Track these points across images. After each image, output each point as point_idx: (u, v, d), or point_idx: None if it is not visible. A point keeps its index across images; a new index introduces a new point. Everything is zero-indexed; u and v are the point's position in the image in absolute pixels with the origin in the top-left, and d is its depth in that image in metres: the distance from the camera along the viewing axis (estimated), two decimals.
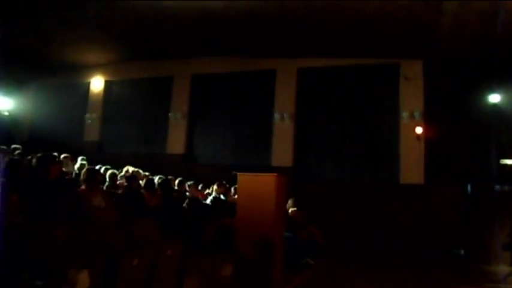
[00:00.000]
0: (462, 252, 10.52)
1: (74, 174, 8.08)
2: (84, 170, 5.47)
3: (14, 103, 15.08)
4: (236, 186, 7.43)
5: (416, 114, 12.04)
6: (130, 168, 9.75)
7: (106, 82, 16.48)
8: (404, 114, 12.20)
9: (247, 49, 13.30)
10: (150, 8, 10.86)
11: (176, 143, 14.80)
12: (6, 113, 14.42)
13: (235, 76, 14.37)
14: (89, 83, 16.69)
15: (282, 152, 13.31)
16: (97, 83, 16.58)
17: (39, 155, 4.57)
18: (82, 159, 9.54)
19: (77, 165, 8.92)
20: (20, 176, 4.39)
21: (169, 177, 8.63)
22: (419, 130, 11.86)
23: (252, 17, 10.84)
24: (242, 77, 14.32)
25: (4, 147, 4.00)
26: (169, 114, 15.01)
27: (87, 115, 16.37)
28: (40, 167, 4.44)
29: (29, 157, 7.00)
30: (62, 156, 8.80)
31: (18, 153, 7.54)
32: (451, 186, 11.21)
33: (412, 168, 11.85)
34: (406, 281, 7.67)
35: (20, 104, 15.95)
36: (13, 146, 8.43)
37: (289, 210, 9.69)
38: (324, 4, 9.78)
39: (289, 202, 10.15)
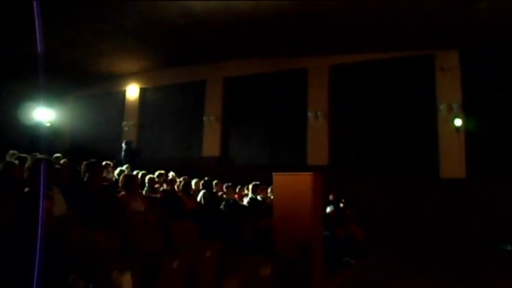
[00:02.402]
0: (510, 247, 10.09)
1: (113, 180, 8.30)
2: (122, 176, 5.60)
3: (55, 114, 15.65)
4: (272, 186, 7.42)
5: (455, 106, 11.67)
6: (171, 173, 9.94)
7: (141, 89, 16.88)
8: (442, 107, 11.86)
9: (278, 49, 13.30)
10: (181, 15, 11.03)
11: (211, 145, 14.96)
12: (48, 124, 14.98)
13: (267, 77, 14.40)
14: (124, 91, 17.16)
15: (317, 150, 13.22)
16: (132, 91, 17.01)
17: (85, 162, 4.69)
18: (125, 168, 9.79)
19: (116, 172, 9.15)
20: (65, 184, 4.53)
21: (206, 178, 8.70)
22: (458, 122, 11.50)
23: (281, 17, 10.81)
24: (274, 77, 14.33)
25: (46, 156, 4.13)
26: (204, 118, 15.19)
27: (124, 122, 16.83)
28: (86, 174, 4.56)
29: (74, 165, 7.25)
30: (104, 163, 9.08)
31: (63, 162, 7.79)
32: (496, 180, 10.77)
33: (452, 162, 11.50)
34: (456, 280, 7.39)
35: (60, 114, 16.55)
36: (55, 155, 8.74)
37: (327, 210, 9.61)
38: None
39: (330, 197, 10.17)
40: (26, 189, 3.01)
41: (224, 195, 8.64)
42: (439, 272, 7.96)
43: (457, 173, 11.36)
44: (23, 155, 6.29)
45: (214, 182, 9.26)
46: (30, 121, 13.87)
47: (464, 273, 7.76)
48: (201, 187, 8.05)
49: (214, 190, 8.73)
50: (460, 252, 9.90)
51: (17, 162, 5.44)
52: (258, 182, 9.21)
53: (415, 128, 12.33)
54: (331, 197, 10.56)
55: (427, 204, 11.14)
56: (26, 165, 3.75)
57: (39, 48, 2.12)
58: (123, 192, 5.28)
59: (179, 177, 9.49)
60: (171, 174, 9.78)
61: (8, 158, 6.13)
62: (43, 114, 14.04)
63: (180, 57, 14.77)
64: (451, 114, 11.77)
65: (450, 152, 11.66)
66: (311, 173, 6.03)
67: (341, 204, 10.51)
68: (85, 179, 4.59)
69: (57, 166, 5.25)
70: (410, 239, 10.77)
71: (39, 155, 3.58)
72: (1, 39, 12.46)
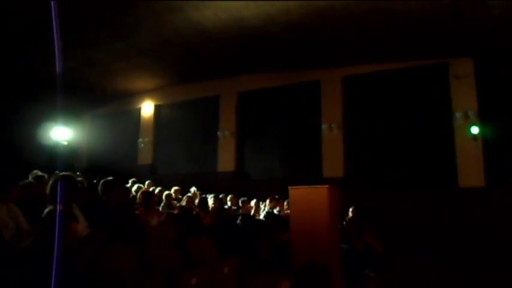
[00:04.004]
0: None
1: (131, 196, 8.37)
2: (140, 193, 5.65)
3: (72, 133, 15.91)
4: (288, 200, 7.39)
5: (471, 113, 11.53)
6: (193, 189, 10.03)
7: (156, 106, 17.08)
8: (458, 115, 11.72)
9: (290, 62, 13.36)
10: (193, 33, 11.19)
11: (226, 160, 15.01)
12: (66, 143, 15.23)
13: (280, 90, 14.44)
14: (139, 109, 17.37)
15: (333, 162, 13.15)
16: (147, 108, 17.22)
17: (102, 181, 4.74)
18: (147, 184, 9.89)
19: (134, 188, 9.24)
20: (84, 202, 4.58)
21: (220, 195, 8.74)
22: (475, 130, 11.34)
23: (293, 30, 10.88)
24: (287, 91, 14.37)
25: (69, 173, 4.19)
26: (218, 133, 15.27)
27: (140, 139, 17.01)
28: (104, 192, 4.61)
29: (93, 182, 7.34)
30: (130, 181, 9.23)
31: (81, 181, 7.88)
32: None
33: (471, 171, 11.31)
34: None
35: (77, 133, 16.81)
36: (73, 173, 8.84)
37: (344, 222, 9.51)
38: (366, 9, 9.65)
39: (350, 210, 10.05)
40: (48, 208, 3.05)
41: (240, 210, 8.64)
42: (460, 283, 7.80)
43: (475, 181, 11.17)
44: (40, 174, 6.39)
45: (229, 196, 9.29)
46: (48, 140, 14.13)
47: (486, 284, 7.59)
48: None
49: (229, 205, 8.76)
50: (481, 262, 9.68)
51: (33, 181, 5.52)
52: (276, 196, 9.19)
53: (431, 137, 12.19)
54: (351, 211, 10.37)
55: (446, 214, 10.93)
56: (49, 183, 3.82)
57: (57, 69, 2.17)
58: (140, 209, 5.32)
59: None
60: (192, 190, 9.85)
61: (30, 177, 6.24)
62: (61, 134, 14.30)
63: (194, 74, 14.94)
64: (467, 122, 11.62)
65: (468, 160, 11.48)
66: (327, 185, 6.00)
67: (350, 214, 10.27)
68: (103, 197, 4.64)
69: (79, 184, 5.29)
70: (430, 250, 10.57)
71: (60, 173, 3.63)
72: (20, 61, 12.79)
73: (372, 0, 9.23)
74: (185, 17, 10.46)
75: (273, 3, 9.70)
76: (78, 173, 9.04)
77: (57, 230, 2.07)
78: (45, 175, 6.14)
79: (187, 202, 7.72)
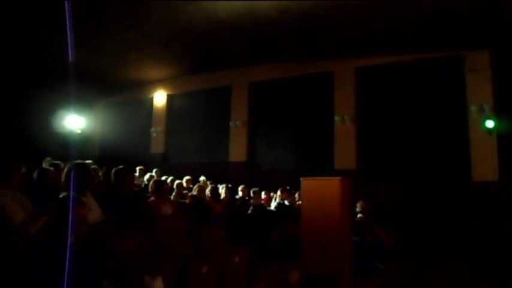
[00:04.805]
0: None
1: (143, 185, 8.45)
2: (152, 182, 5.69)
3: (85, 121, 16.05)
4: (300, 191, 7.40)
5: (486, 107, 11.35)
6: (202, 178, 10.08)
7: (168, 96, 17.13)
8: (473, 108, 11.55)
9: (304, 53, 13.27)
10: (207, 22, 11.15)
11: (238, 151, 15.02)
12: (79, 131, 15.37)
13: (293, 81, 14.37)
14: (152, 98, 17.44)
15: (345, 154, 13.09)
16: (160, 98, 17.28)
17: (115, 169, 4.75)
18: (155, 172, 9.96)
19: (146, 177, 9.32)
20: (97, 190, 4.62)
21: (229, 185, 8.76)
22: (490, 124, 11.18)
23: (307, 20, 10.79)
24: (299, 81, 14.29)
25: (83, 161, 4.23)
26: (230, 123, 15.28)
27: (152, 129, 17.09)
28: (117, 180, 4.63)
29: (101, 171, 7.41)
30: (138, 168, 9.30)
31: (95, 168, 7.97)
32: None
33: (485, 165, 11.17)
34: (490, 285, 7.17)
35: (90, 122, 16.95)
36: (86, 161, 8.94)
37: (358, 216, 9.48)
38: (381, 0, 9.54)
39: (358, 205, 9.95)
40: (62, 195, 3.08)
41: (251, 200, 8.67)
42: (473, 277, 7.74)
43: (489, 176, 11.03)
44: (57, 161, 6.47)
45: (241, 187, 9.32)
46: (61, 129, 14.27)
47: (498, 278, 7.53)
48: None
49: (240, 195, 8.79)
50: (495, 257, 9.60)
51: (51, 168, 5.60)
52: (288, 187, 9.19)
53: (445, 130, 12.05)
54: (359, 204, 10.28)
55: (459, 208, 10.83)
56: (64, 171, 3.86)
57: (70, 58, 2.17)
58: (152, 198, 5.36)
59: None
60: (201, 179, 9.91)
61: (44, 165, 6.32)
62: (74, 122, 14.42)
63: (206, 64, 14.92)
64: (482, 116, 11.46)
65: (482, 154, 11.34)
66: (339, 177, 5.98)
67: (357, 208, 10.16)
68: (115, 185, 4.67)
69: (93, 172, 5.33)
70: (442, 243, 10.51)
71: (76, 161, 3.67)
72: (34, 50, 12.89)
73: None
74: (199, 6, 10.42)
75: None
76: (90, 161, 9.14)
77: (70, 215, 2.09)
78: (61, 163, 6.22)
79: (198, 191, 7.76)
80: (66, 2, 2.09)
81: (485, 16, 9.70)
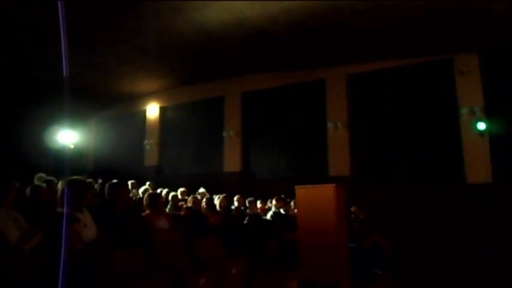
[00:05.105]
0: None
1: (138, 198, 8.39)
2: (146, 195, 5.65)
3: (78, 136, 15.98)
4: (295, 199, 7.39)
5: (477, 109, 11.46)
6: (201, 189, 10.03)
7: (161, 108, 17.13)
8: (464, 111, 11.66)
9: (294, 61, 13.34)
10: (196, 34, 11.20)
11: (232, 161, 15.01)
12: (72, 146, 15.30)
13: (285, 90, 14.44)
14: (145, 111, 17.44)
15: (339, 161, 13.12)
16: (152, 110, 17.27)
17: (108, 183, 4.72)
18: (148, 185, 9.89)
19: (141, 190, 9.26)
20: (91, 205, 4.58)
21: (224, 195, 8.72)
22: (482, 126, 11.27)
23: (295, 29, 10.87)
24: (292, 90, 14.36)
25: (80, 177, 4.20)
26: (224, 133, 15.28)
27: (146, 141, 17.07)
28: (111, 194, 4.59)
29: (97, 184, 7.36)
30: (130, 182, 9.23)
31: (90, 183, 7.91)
32: None
33: (478, 167, 11.25)
34: None
35: (83, 136, 16.88)
36: (80, 176, 8.88)
37: (352, 222, 9.46)
38: (369, 7, 9.62)
39: (351, 210, 9.94)
40: (57, 211, 3.06)
41: (247, 210, 8.64)
42: (469, 281, 7.74)
43: (483, 178, 11.10)
44: (50, 177, 6.42)
45: (236, 197, 9.29)
46: (54, 144, 14.19)
47: (496, 280, 7.53)
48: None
49: (235, 205, 8.76)
50: (490, 259, 9.61)
51: (44, 185, 5.56)
52: (282, 195, 9.17)
53: (437, 133, 12.13)
54: (352, 209, 10.30)
55: (453, 211, 10.86)
56: (59, 187, 3.83)
57: (64, 73, 2.17)
58: (147, 211, 5.33)
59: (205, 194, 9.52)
60: (201, 191, 9.84)
61: (36, 181, 6.27)
62: (67, 137, 14.35)
63: (198, 75, 14.96)
64: (473, 118, 11.56)
65: (475, 156, 11.42)
66: (333, 184, 5.99)
67: (352, 213, 10.13)
68: (109, 200, 4.63)
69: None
70: (438, 247, 10.51)
71: (72, 177, 3.65)
72: (25, 66, 12.86)
73: None
74: (188, 18, 10.48)
75: (275, 3, 9.70)
76: (85, 176, 9.07)
77: (64, 232, 2.08)
78: (54, 179, 6.18)
79: (193, 203, 7.73)
80: (60, 16, 2.09)
81: (472, 18, 9.82)
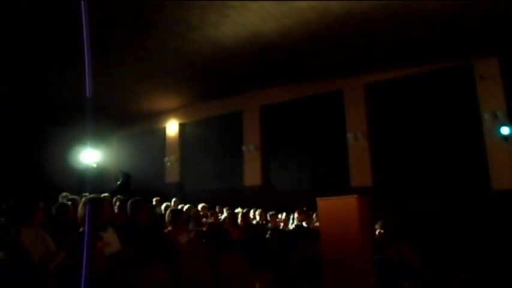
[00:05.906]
0: None
1: (160, 215, 8.42)
2: (169, 211, 5.67)
3: (100, 155, 16.23)
4: (317, 212, 7.31)
5: (499, 113, 11.21)
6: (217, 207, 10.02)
7: (180, 125, 17.30)
8: (486, 116, 11.42)
9: (311, 73, 13.34)
10: (213, 50, 11.33)
11: (252, 175, 15.00)
12: (94, 165, 15.53)
13: (303, 101, 14.42)
14: (164, 128, 17.63)
15: (360, 172, 12.97)
16: (172, 127, 17.46)
17: (130, 200, 4.76)
18: (174, 202, 9.94)
19: (162, 207, 9.30)
20: (114, 222, 4.62)
21: (245, 210, 8.69)
22: (505, 130, 11.01)
23: (310, 41, 10.88)
24: (310, 102, 14.33)
25: (92, 195, 4.26)
26: (243, 148, 15.31)
27: (166, 158, 17.22)
28: (133, 212, 4.63)
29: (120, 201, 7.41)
30: (154, 199, 9.32)
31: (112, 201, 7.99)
32: None
33: (503, 172, 10.96)
34: None
35: (105, 155, 17.13)
36: (103, 194, 8.99)
37: (376, 232, 9.29)
38: (384, 15, 9.56)
39: (377, 226, 9.73)
40: (80, 230, 3.10)
41: (269, 224, 8.59)
42: None
43: (510, 183, 10.80)
44: (74, 196, 6.51)
45: (258, 211, 9.25)
46: (77, 164, 14.45)
47: None
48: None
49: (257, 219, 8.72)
50: None
51: (69, 203, 5.63)
52: (304, 208, 9.08)
53: (460, 140, 11.89)
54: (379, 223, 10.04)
55: (481, 219, 10.57)
56: (81, 206, 3.88)
57: (88, 93, 2.21)
58: (169, 228, 5.34)
59: (223, 209, 9.53)
60: (217, 208, 9.84)
61: (60, 200, 6.36)
62: (89, 156, 14.60)
63: (216, 91, 15.09)
64: (496, 123, 11.30)
65: (500, 161, 11.14)
66: (356, 195, 5.90)
67: (376, 226, 9.89)
68: (131, 217, 4.67)
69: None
70: (466, 257, 10.22)
71: (94, 195, 3.70)
72: (48, 88, 13.20)
73: (388, 1, 9.10)
74: (204, 35, 10.62)
75: (290, 16, 9.75)
76: (107, 195, 9.18)
77: (85, 250, 2.09)
78: (78, 198, 6.26)
79: (214, 218, 7.73)
80: (84, 36, 2.13)
81: (491, 23, 9.68)
